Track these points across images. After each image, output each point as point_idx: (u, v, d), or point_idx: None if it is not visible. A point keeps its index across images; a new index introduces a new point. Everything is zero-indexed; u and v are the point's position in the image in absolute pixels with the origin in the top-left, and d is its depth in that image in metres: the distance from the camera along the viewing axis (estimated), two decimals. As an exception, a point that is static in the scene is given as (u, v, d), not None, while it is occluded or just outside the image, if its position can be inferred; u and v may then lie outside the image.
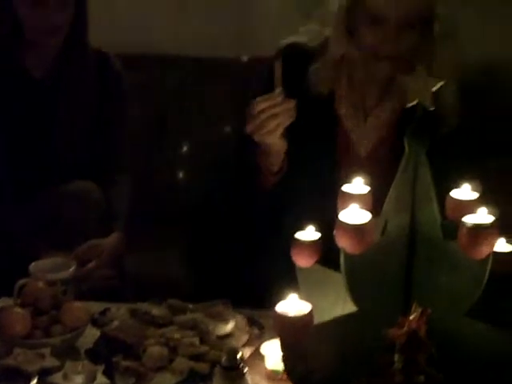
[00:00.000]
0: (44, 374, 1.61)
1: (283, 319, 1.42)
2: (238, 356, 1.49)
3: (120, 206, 2.32)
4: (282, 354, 1.44)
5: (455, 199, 1.58)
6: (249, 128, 1.83)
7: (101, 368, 1.63)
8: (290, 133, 1.90)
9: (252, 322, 1.82)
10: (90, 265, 2.16)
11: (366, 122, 2.15)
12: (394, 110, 2.11)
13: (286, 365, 1.44)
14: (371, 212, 1.49)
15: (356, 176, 1.64)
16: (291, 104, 1.83)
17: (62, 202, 2.20)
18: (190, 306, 1.87)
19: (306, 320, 1.43)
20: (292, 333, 1.42)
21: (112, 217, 2.28)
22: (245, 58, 2.95)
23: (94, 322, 1.84)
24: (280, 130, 1.85)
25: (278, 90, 1.80)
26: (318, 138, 2.05)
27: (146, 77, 2.87)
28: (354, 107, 2.14)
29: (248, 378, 1.51)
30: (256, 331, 1.80)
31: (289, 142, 1.94)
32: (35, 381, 1.56)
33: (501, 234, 1.52)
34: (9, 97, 2.28)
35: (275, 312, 1.43)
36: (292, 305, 1.44)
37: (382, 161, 2.13)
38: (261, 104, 1.81)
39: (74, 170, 2.30)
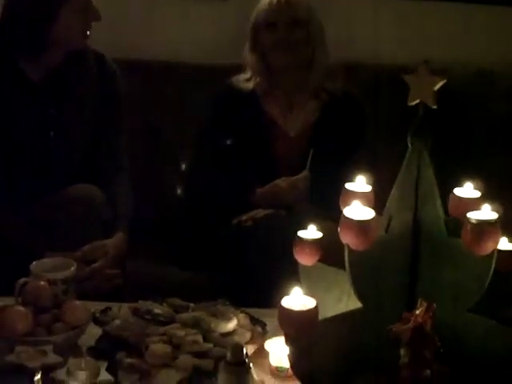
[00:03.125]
0: (47, 370, 1.60)
1: (289, 314, 1.43)
2: (243, 351, 1.48)
3: (122, 207, 2.32)
4: (287, 349, 1.44)
5: (458, 197, 1.60)
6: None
7: (104, 365, 1.63)
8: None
9: (254, 321, 1.82)
10: (96, 265, 2.17)
11: (292, 112, 2.51)
12: (320, 99, 2.51)
13: (291, 360, 1.45)
14: (374, 209, 1.51)
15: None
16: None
17: (64, 205, 2.20)
18: (191, 305, 1.87)
19: (311, 314, 1.44)
20: (297, 327, 1.43)
21: (115, 217, 2.28)
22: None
23: (96, 321, 1.83)
24: None
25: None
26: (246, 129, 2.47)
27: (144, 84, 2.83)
28: (278, 101, 2.51)
29: (253, 373, 1.50)
30: (259, 329, 1.79)
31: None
32: (39, 376, 1.55)
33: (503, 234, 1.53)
34: (7, 101, 2.27)
35: (280, 307, 1.44)
36: (297, 300, 1.45)
37: (311, 139, 2.46)
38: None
39: (75, 172, 2.31)
